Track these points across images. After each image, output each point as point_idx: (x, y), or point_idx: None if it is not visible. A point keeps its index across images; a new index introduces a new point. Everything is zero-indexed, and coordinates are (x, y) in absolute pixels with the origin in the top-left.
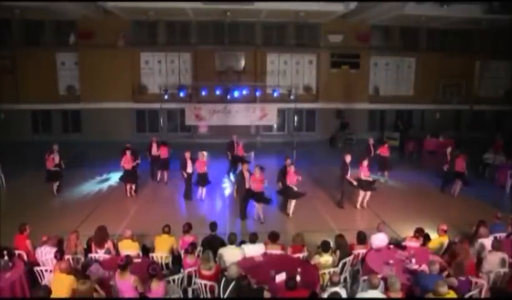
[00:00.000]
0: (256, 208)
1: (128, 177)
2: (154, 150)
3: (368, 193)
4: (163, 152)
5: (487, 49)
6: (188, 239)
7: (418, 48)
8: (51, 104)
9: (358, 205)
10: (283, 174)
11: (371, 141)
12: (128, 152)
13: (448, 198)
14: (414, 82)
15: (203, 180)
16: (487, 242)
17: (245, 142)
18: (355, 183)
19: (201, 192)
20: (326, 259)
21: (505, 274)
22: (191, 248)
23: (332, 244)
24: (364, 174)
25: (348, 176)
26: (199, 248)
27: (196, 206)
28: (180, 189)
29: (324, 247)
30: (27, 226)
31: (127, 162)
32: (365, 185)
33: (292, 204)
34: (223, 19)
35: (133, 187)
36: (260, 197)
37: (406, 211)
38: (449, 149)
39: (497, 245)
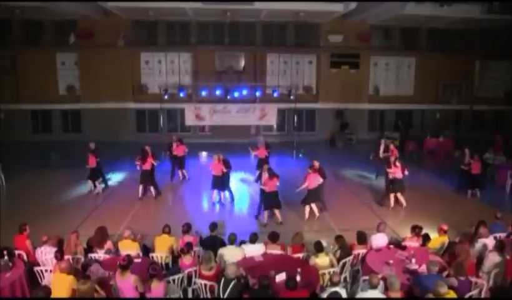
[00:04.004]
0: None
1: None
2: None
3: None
4: (180, 150)
5: (487, 49)
6: (188, 239)
7: (418, 48)
8: (51, 104)
9: (392, 204)
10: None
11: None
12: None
13: (447, 198)
14: (414, 82)
15: (219, 183)
16: (488, 242)
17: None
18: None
19: (216, 195)
20: (323, 259)
21: (504, 272)
22: (186, 248)
23: (328, 244)
24: (398, 174)
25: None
26: (196, 248)
27: (197, 206)
28: (181, 189)
29: (318, 248)
30: (27, 226)
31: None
32: (398, 186)
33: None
34: (223, 19)
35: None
36: (269, 199)
37: (406, 211)
38: (467, 150)
39: (500, 246)
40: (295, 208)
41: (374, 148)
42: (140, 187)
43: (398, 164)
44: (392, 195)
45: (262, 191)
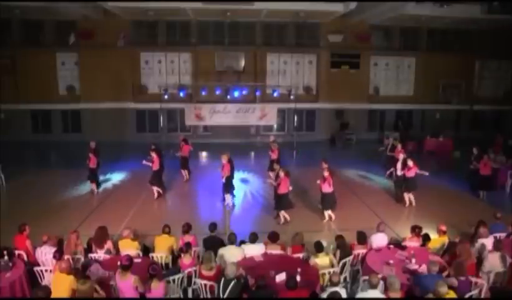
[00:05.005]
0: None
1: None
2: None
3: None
4: (185, 150)
5: (487, 49)
6: (188, 239)
7: (418, 48)
8: (51, 104)
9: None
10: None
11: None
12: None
13: (448, 198)
14: (414, 82)
15: (230, 185)
16: (488, 242)
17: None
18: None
19: (230, 198)
20: (323, 259)
21: (505, 273)
22: (185, 248)
23: (328, 244)
24: (410, 173)
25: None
26: (196, 248)
27: (199, 206)
28: (182, 189)
29: (318, 248)
30: (27, 226)
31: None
32: (411, 185)
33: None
34: (223, 19)
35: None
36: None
37: (406, 211)
38: (475, 150)
39: (499, 246)
40: (295, 208)
41: (381, 146)
42: (155, 188)
43: (410, 162)
44: (406, 194)
45: (277, 193)
